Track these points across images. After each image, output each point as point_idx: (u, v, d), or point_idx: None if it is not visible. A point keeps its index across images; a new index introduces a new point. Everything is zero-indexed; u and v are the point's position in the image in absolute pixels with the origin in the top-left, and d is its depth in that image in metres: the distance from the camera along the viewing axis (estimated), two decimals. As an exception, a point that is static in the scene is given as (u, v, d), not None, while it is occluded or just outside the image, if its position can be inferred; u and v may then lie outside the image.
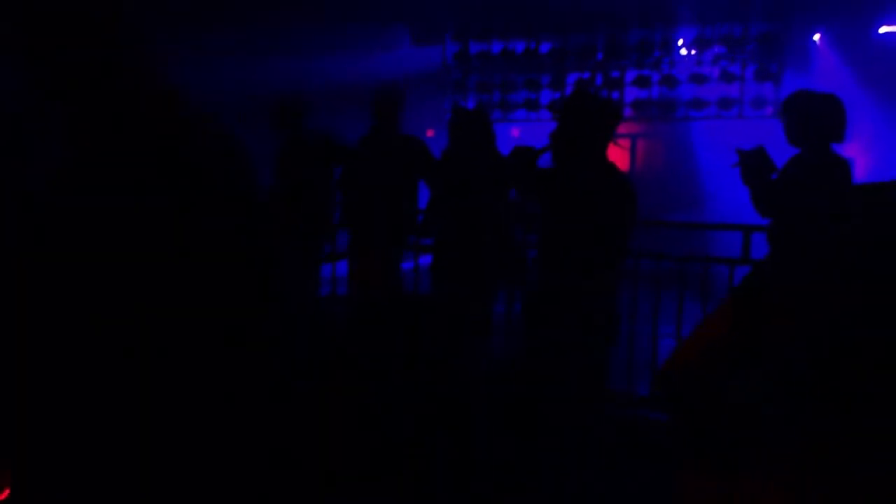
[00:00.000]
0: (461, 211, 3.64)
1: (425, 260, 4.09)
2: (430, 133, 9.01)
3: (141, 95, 1.16)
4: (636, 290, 3.73)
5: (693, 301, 3.76)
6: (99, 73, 1.11)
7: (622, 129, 11.24)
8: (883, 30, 8.79)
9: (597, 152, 2.63)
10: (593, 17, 8.78)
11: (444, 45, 9.69)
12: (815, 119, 3.08)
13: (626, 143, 10.48)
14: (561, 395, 2.67)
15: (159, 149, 1.12)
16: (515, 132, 9.70)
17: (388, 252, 4.01)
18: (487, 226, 3.57)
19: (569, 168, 2.68)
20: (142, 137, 1.13)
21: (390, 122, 4.11)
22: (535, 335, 2.79)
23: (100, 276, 1.07)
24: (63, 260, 1.08)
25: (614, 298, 2.69)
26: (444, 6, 9.30)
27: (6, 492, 1.19)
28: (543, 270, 2.74)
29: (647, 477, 2.98)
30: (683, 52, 8.84)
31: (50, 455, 1.12)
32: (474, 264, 3.56)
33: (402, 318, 3.04)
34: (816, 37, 9.10)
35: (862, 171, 8.77)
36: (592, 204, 2.52)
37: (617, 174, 2.66)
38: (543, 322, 2.71)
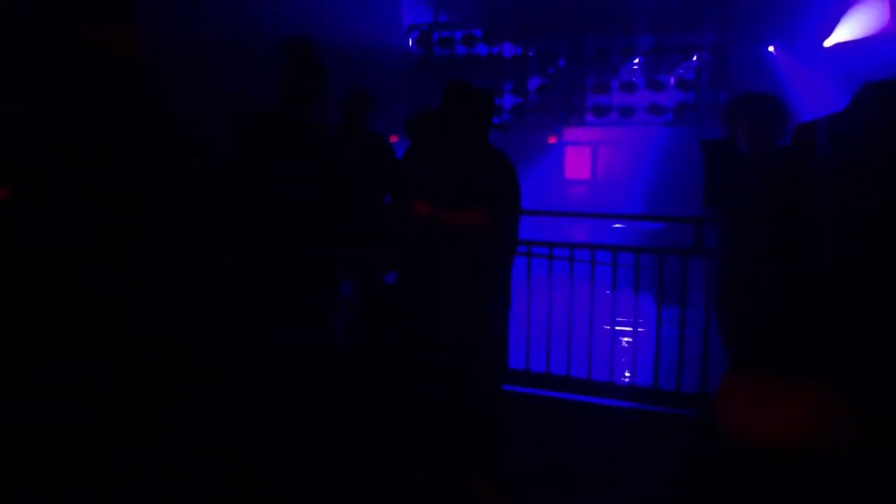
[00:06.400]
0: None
1: None
2: (393, 139, 8.99)
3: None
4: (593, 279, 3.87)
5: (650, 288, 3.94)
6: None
7: (583, 135, 11.45)
8: (827, 43, 9.27)
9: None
10: (554, 24, 8.96)
11: (407, 48, 9.74)
12: (760, 118, 3.18)
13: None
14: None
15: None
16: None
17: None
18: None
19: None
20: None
21: (359, 123, 4.14)
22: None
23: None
24: None
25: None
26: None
27: None
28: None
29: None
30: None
31: None
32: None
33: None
34: (771, 48, 9.55)
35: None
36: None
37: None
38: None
